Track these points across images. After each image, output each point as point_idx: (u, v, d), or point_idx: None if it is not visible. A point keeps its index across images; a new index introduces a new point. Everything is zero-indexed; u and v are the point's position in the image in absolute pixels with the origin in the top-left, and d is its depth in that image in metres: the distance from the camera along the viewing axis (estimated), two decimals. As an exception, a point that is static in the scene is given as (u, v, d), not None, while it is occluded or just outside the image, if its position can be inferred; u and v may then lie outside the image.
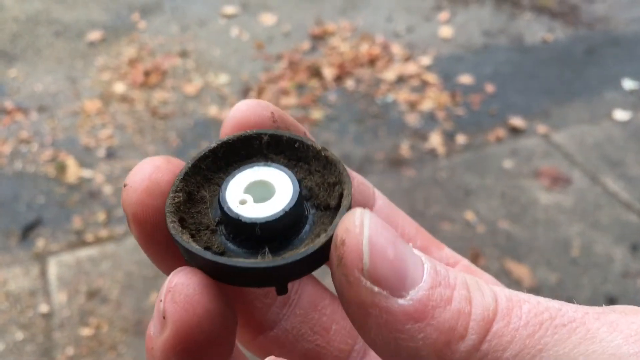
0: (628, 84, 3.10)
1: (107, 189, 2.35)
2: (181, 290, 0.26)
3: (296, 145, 0.32)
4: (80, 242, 2.12)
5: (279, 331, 0.35)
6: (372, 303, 0.25)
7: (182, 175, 0.31)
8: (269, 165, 0.31)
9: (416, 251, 0.27)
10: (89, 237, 2.14)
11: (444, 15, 3.72)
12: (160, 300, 0.27)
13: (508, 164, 2.53)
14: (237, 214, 0.29)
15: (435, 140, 2.66)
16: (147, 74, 3.07)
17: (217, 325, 0.27)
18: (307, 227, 0.30)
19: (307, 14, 3.69)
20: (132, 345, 1.78)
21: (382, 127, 2.75)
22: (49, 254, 2.07)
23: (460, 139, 2.68)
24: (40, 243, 2.11)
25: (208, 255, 0.27)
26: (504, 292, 0.26)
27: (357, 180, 0.36)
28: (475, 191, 2.38)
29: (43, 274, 2.00)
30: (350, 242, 0.25)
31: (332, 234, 0.27)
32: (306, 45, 3.37)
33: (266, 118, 0.32)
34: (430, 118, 2.82)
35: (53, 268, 2.01)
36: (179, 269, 0.27)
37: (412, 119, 2.80)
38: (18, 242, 2.12)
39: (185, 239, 0.28)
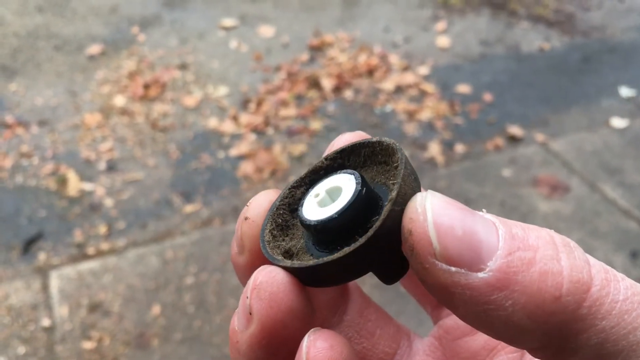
0: (625, 91, 3.12)
1: (108, 202, 2.36)
2: (266, 287, 0.28)
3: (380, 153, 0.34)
4: (81, 256, 2.13)
5: None
6: (452, 283, 0.25)
7: (309, 170, 0.35)
8: (346, 173, 0.32)
9: (488, 216, 0.26)
10: (91, 250, 2.15)
11: (441, 25, 3.75)
12: (247, 297, 0.29)
13: (507, 172, 2.54)
14: (302, 214, 0.31)
15: (434, 149, 2.67)
16: (146, 86, 3.09)
17: (298, 321, 0.28)
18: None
19: (306, 26, 3.72)
20: (135, 358, 1.78)
21: (381, 137, 2.76)
22: (50, 267, 2.08)
23: (459, 148, 2.70)
24: (41, 257, 2.12)
25: (296, 264, 0.29)
26: (599, 262, 0.26)
27: None
28: (475, 200, 2.39)
29: (45, 287, 2.00)
30: (417, 230, 0.26)
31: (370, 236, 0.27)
32: (305, 56, 3.39)
33: None
34: (428, 127, 2.83)
35: (55, 281, 2.02)
36: (261, 267, 0.29)
37: (410, 129, 2.82)
38: (19, 256, 2.13)
39: (275, 255, 0.31)
